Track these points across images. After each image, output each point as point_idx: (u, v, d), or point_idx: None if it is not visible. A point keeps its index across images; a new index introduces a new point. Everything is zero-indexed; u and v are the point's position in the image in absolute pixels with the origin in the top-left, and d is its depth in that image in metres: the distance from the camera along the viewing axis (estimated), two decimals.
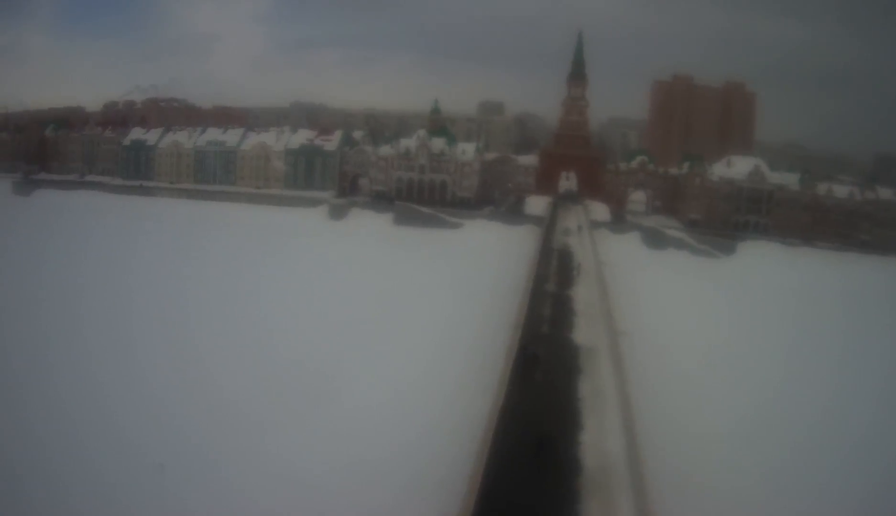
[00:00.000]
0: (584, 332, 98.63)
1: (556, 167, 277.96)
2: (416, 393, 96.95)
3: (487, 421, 66.62)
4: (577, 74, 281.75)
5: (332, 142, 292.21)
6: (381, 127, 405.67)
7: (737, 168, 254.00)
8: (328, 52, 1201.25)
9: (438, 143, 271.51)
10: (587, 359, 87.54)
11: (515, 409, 69.18)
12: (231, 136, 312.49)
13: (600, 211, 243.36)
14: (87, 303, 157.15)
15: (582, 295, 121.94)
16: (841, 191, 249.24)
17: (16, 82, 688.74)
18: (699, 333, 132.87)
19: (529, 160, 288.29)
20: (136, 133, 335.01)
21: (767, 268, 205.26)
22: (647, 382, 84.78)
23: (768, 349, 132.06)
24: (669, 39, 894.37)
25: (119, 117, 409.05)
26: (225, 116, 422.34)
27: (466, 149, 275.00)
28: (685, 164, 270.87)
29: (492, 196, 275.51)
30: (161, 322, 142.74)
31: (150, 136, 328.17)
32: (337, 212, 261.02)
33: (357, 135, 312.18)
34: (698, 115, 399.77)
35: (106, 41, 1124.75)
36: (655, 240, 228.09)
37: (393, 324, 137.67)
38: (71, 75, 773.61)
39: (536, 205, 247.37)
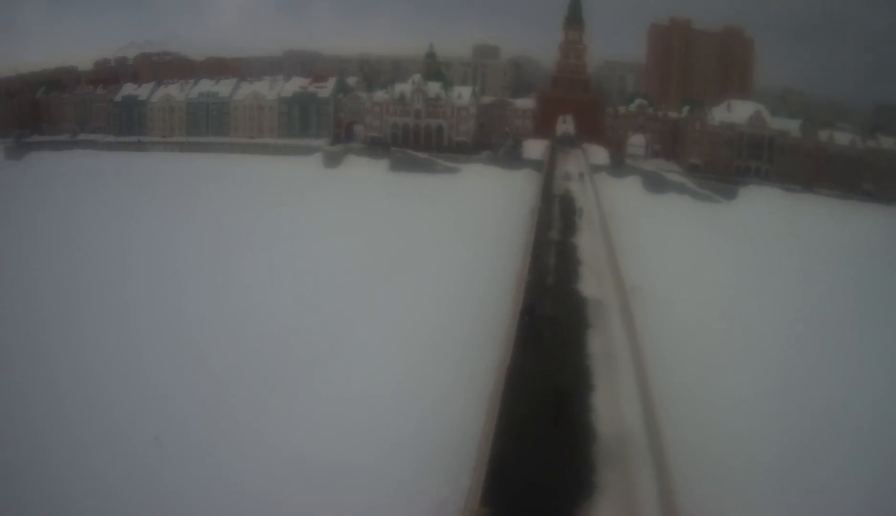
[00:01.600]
0: (591, 285, 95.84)
1: (553, 111, 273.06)
2: (419, 351, 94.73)
3: (494, 384, 63.55)
4: (575, 17, 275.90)
5: (325, 89, 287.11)
6: (376, 72, 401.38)
7: (737, 112, 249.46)
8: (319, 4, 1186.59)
9: (434, 88, 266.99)
10: (596, 315, 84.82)
11: (523, 372, 65.94)
12: (223, 87, 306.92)
13: (599, 154, 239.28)
14: (81, 268, 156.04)
15: (586, 243, 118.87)
16: (843, 138, 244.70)
17: (6, 47, 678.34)
18: (706, 284, 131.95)
19: (526, 103, 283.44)
20: (128, 89, 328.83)
21: (770, 214, 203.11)
22: (657, 339, 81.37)
23: (778, 302, 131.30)
24: None
25: (111, 74, 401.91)
26: (218, 67, 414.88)
27: (462, 93, 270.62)
28: (685, 108, 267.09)
29: (489, 140, 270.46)
30: (156, 285, 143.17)
31: (142, 92, 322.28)
32: (332, 160, 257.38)
33: (351, 81, 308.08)
34: (696, 60, 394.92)
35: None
36: (656, 184, 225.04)
37: (392, 276, 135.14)
38: (63, 35, 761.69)
39: (534, 148, 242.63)
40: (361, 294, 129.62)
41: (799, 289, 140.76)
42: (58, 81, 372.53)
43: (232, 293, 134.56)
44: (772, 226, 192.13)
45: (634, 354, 72.04)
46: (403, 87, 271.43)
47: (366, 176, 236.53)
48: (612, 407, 62.57)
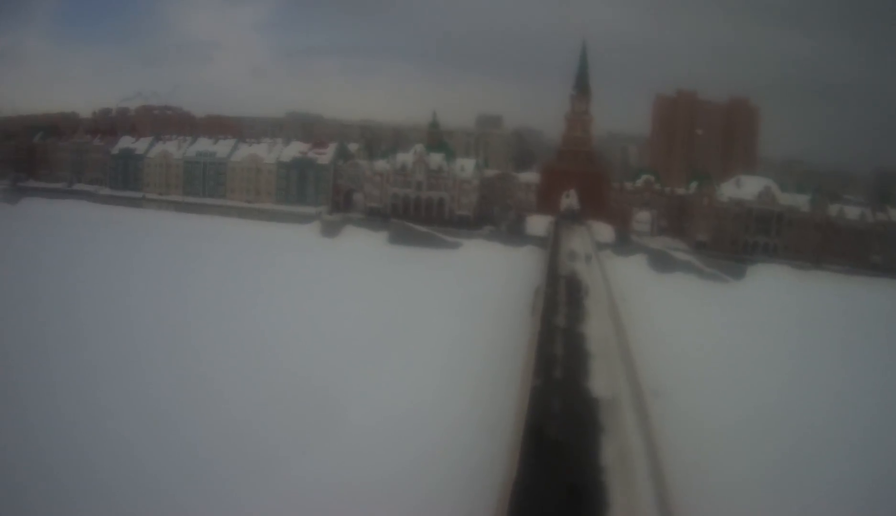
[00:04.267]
0: (603, 381, 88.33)
1: (558, 184, 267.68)
2: (412, 459, 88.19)
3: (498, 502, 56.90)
4: (581, 87, 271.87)
5: (325, 155, 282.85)
6: (378, 139, 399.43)
7: (746, 188, 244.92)
8: (327, 61, 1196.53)
9: (436, 159, 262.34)
10: (609, 418, 77.45)
11: (527, 494, 59.02)
12: (222, 147, 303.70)
13: (604, 231, 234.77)
14: (72, 321, 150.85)
15: (594, 331, 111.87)
16: (852, 212, 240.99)
17: (11, 86, 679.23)
18: (720, 376, 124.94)
19: (530, 177, 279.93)
20: (125, 142, 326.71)
21: (779, 295, 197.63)
22: (673, 440, 74.73)
23: (797, 389, 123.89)
24: (668, 53, 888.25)
25: (109, 125, 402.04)
26: (218, 125, 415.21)
27: (465, 165, 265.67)
28: (692, 184, 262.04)
29: (491, 214, 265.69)
30: (148, 346, 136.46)
31: (140, 145, 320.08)
32: (330, 230, 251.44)
33: (352, 147, 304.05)
34: (702, 131, 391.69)
35: (106, 47, 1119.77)
36: (662, 263, 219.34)
37: (383, 366, 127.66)
38: (69, 81, 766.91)
39: (538, 224, 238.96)
40: (353, 372, 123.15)
41: (812, 371, 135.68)
42: (55, 126, 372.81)
43: (221, 363, 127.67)
44: (782, 308, 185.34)
45: (652, 460, 66.08)
46: (405, 157, 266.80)
47: (364, 248, 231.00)
48: None
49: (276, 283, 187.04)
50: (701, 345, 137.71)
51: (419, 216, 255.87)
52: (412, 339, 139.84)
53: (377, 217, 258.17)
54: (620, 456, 67.90)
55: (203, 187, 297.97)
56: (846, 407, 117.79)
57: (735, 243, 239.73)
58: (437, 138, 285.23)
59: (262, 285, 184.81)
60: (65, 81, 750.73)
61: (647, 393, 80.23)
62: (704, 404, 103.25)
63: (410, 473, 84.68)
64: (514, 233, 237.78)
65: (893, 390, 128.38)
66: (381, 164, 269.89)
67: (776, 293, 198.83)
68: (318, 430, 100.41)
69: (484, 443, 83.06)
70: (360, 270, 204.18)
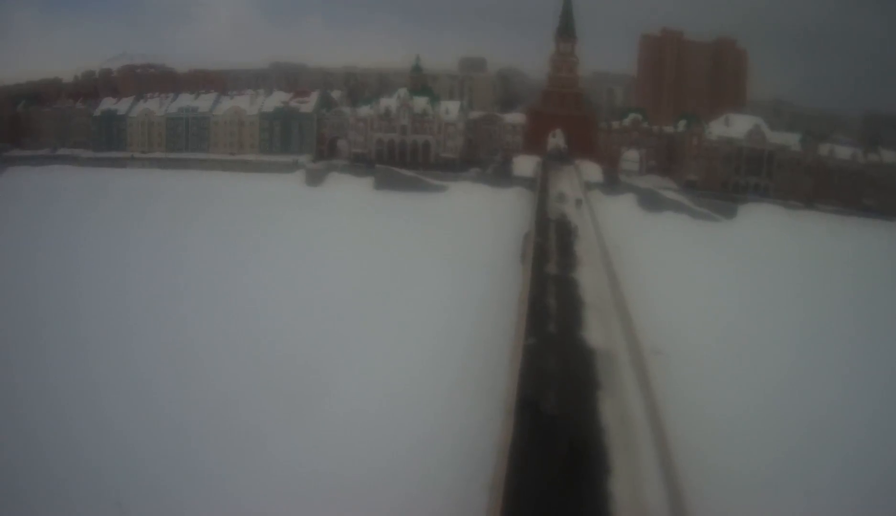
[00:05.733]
0: (599, 333, 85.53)
1: (545, 126, 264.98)
2: (407, 426, 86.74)
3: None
4: (566, 28, 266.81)
5: (308, 104, 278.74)
6: (361, 86, 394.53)
7: (735, 127, 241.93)
8: (311, 14, 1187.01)
9: (420, 102, 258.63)
10: (607, 373, 74.72)
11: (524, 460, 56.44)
12: (203, 102, 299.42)
13: (592, 171, 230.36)
14: (57, 291, 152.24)
15: (587, 278, 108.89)
16: (843, 152, 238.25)
17: None
18: (715, 318, 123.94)
19: (516, 118, 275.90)
20: (107, 103, 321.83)
21: (772, 234, 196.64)
22: (672, 396, 72.19)
23: (789, 334, 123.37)
24: None
25: (92, 88, 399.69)
26: (202, 80, 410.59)
27: (450, 108, 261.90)
28: (681, 123, 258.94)
29: (477, 157, 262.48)
30: (135, 310, 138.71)
31: (122, 106, 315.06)
32: (314, 178, 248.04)
33: (335, 95, 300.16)
34: (689, 71, 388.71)
35: (89, 9, 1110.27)
36: (652, 202, 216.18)
37: (372, 323, 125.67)
38: (52, 46, 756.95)
39: (525, 165, 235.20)
40: (341, 332, 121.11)
41: (807, 313, 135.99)
42: (38, 94, 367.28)
43: (211, 323, 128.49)
44: (774, 247, 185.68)
45: (652, 419, 63.98)
46: (389, 102, 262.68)
47: (349, 195, 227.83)
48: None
49: (261, 238, 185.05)
50: (695, 291, 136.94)
51: (404, 161, 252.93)
52: (401, 291, 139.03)
53: (362, 163, 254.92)
54: (621, 418, 65.23)
55: (186, 143, 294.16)
56: (846, 352, 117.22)
57: (725, 183, 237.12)
58: (420, 82, 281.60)
59: (246, 241, 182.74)
60: (47, 48, 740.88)
61: (647, 350, 77.23)
62: (705, 358, 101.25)
63: (403, 441, 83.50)
64: (501, 175, 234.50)
65: (888, 330, 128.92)
66: (364, 110, 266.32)
67: (769, 232, 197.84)
68: (310, 391, 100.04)
69: (479, 407, 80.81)
70: (346, 219, 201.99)
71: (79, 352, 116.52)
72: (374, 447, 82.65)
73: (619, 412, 66.36)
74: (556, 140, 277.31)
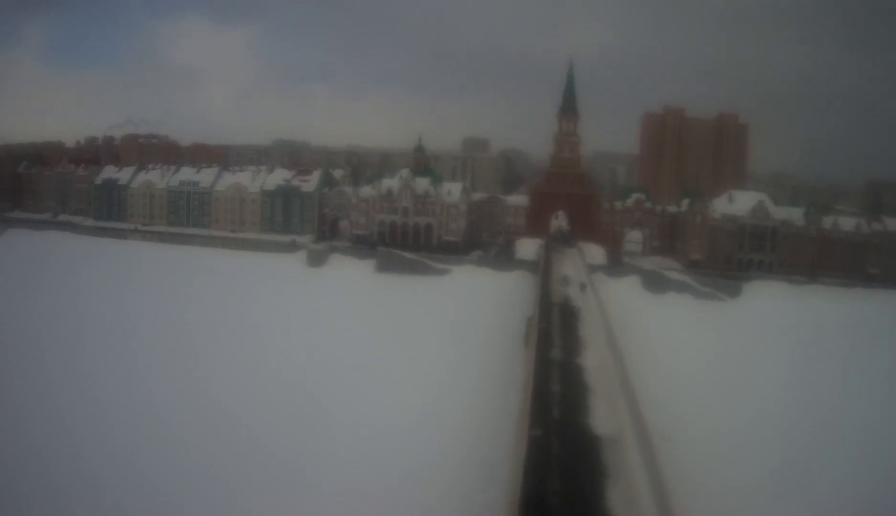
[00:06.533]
0: (605, 419, 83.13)
1: (547, 206, 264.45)
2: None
3: None
4: (569, 108, 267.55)
5: (310, 183, 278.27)
6: (364, 165, 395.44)
7: (738, 203, 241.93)
8: (315, 86, 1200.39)
9: (423, 184, 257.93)
10: (614, 460, 72.18)
11: None
12: (205, 176, 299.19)
13: (595, 253, 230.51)
14: (64, 352, 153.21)
15: (592, 362, 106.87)
16: (847, 223, 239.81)
17: (2, 113, 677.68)
18: (722, 400, 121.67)
19: (519, 200, 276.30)
20: (109, 171, 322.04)
21: (777, 312, 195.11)
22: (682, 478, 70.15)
23: (804, 410, 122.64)
24: (654, 72, 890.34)
25: (94, 153, 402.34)
26: (204, 154, 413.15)
27: (452, 190, 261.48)
28: (684, 201, 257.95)
29: (480, 239, 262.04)
30: (130, 378, 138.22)
31: (123, 175, 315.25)
32: (316, 259, 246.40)
33: (337, 174, 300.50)
34: (691, 148, 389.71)
35: (94, 74, 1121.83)
36: (656, 283, 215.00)
37: (372, 403, 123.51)
38: (56, 108, 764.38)
39: (527, 248, 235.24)
40: (339, 415, 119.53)
41: (816, 389, 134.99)
42: (40, 155, 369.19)
43: (204, 404, 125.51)
44: (781, 325, 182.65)
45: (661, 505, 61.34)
46: (391, 183, 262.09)
47: (351, 278, 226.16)
48: None
49: (261, 318, 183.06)
50: (702, 372, 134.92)
51: (406, 243, 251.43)
52: (401, 375, 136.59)
53: (364, 245, 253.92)
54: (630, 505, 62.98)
55: (187, 217, 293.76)
56: (857, 424, 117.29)
57: (729, 260, 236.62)
58: (423, 162, 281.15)
59: (247, 321, 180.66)
60: (52, 110, 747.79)
61: (656, 436, 74.95)
62: (715, 441, 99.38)
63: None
64: (504, 258, 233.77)
65: None
66: (366, 191, 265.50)
67: (774, 310, 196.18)
68: (308, 467, 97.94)
69: (483, 487, 79.00)
70: (348, 301, 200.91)
71: (70, 419, 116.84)
72: None
73: (628, 498, 64.04)
74: (559, 222, 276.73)
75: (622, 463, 71.67)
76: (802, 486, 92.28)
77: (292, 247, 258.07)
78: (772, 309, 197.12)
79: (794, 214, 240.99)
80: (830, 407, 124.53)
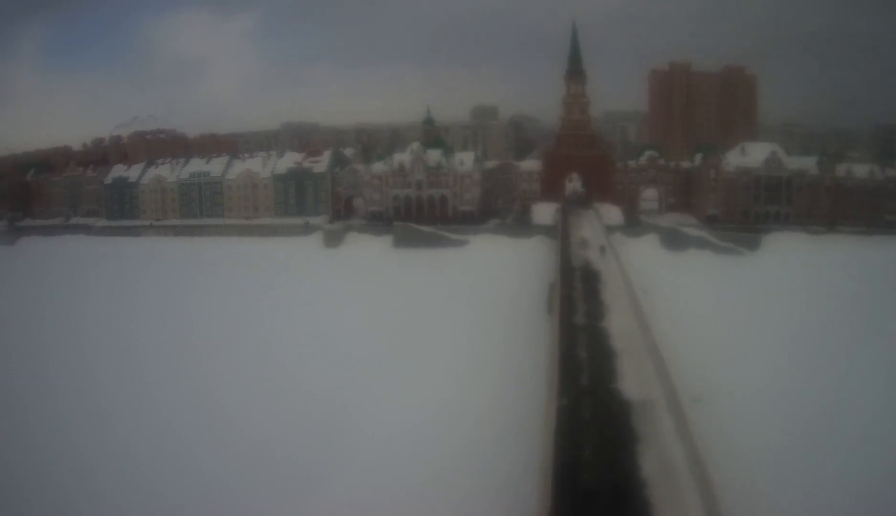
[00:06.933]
0: (634, 383, 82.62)
1: (561, 170, 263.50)
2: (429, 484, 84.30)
3: None
4: (575, 69, 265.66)
5: (321, 164, 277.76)
6: (375, 142, 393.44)
7: (752, 155, 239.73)
8: (319, 67, 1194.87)
9: (434, 156, 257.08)
10: (644, 424, 71.81)
11: None
12: (215, 166, 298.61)
13: (612, 213, 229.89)
14: (85, 355, 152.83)
15: (617, 325, 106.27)
16: (861, 170, 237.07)
17: (3, 124, 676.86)
18: (750, 357, 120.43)
19: (532, 165, 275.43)
20: (118, 170, 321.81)
21: (798, 264, 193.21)
22: (717, 443, 69.52)
23: (829, 365, 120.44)
24: (656, 27, 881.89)
25: (101, 154, 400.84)
26: (213, 144, 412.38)
27: (464, 160, 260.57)
28: (697, 156, 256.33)
29: (495, 207, 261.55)
30: (158, 380, 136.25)
31: (133, 172, 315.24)
32: (332, 239, 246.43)
33: (348, 152, 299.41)
34: (699, 103, 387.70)
35: (96, 74, 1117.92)
36: (675, 241, 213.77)
37: (399, 381, 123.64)
38: (59, 113, 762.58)
39: (544, 212, 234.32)
40: (363, 390, 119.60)
41: (843, 340, 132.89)
42: (47, 162, 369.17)
43: (231, 387, 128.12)
44: (802, 276, 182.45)
45: (696, 468, 61.06)
46: (402, 157, 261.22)
47: (369, 255, 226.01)
48: None
49: (282, 302, 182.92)
50: (727, 330, 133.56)
51: (422, 216, 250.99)
52: (425, 349, 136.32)
53: (380, 221, 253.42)
54: (663, 470, 62.44)
55: (201, 208, 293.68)
56: (884, 372, 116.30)
57: (746, 213, 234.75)
58: (433, 134, 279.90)
59: (267, 306, 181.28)
60: (56, 115, 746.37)
61: (686, 399, 74.31)
62: (745, 400, 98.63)
63: (438, 487, 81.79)
64: (521, 225, 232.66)
65: None
66: (378, 167, 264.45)
67: (795, 261, 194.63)
68: (331, 446, 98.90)
69: (513, 458, 78.67)
70: (367, 279, 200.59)
71: (95, 420, 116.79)
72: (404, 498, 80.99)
73: (661, 463, 63.62)
74: (574, 184, 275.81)
75: (654, 426, 71.22)
76: (832, 441, 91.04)
77: (307, 230, 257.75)
78: (792, 260, 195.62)
79: (806, 164, 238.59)
80: (857, 357, 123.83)
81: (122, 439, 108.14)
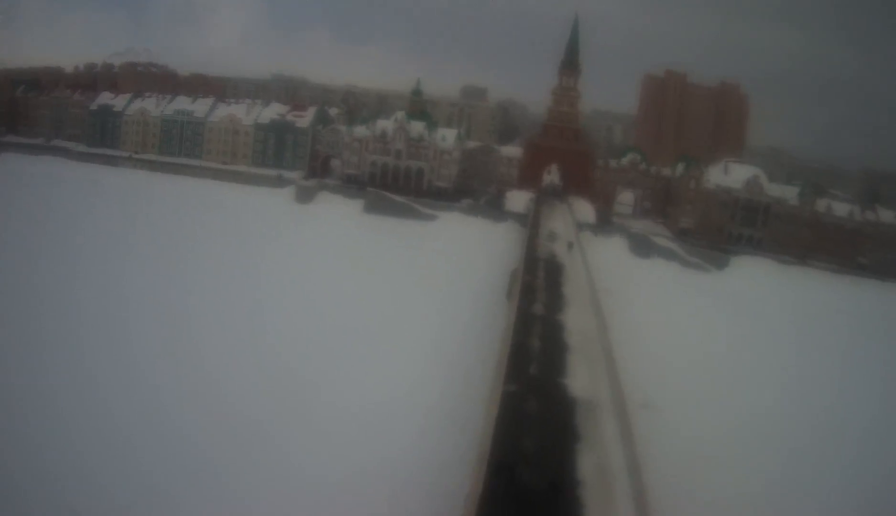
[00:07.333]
0: (583, 383, 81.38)
1: (541, 160, 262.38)
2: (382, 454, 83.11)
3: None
4: (571, 62, 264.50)
5: (304, 119, 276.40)
6: (360, 105, 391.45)
7: (734, 175, 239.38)
8: (316, 31, 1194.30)
9: (417, 127, 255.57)
10: (588, 423, 70.63)
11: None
12: (200, 106, 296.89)
13: (585, 210, 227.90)
14: (49, 284, 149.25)
15: (574, 322, 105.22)
16: (841, 209, 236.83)
17: (4, 39, 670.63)
18: (702, 371, 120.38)
19: (513, 151, 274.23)
20: (104, 97, 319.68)
21: (764, 289, 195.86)
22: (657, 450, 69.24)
23: (777, 389, 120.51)
24: (658, 38, 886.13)
25: (91, 80, 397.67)
26: (203, 85, 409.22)
27: (447, 136, 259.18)
28: (679, 165, 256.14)
29: (471, 187, 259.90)
30: (125, 310, 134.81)
31: (119, 102, 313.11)
32: (304, 196, 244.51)
33: (333, 112, 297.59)
34: (690, 114, 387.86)
35: (99, 3, 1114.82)
36: (643, 247, 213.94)
37: (350, 351, 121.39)
38: (58, 35, 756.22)
39: (518, 200, 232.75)
40: (319, 363, 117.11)
41: (794, 367, 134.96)
42: (38, 80, 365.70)
43: (188, 337, 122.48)
44: (764, 301, 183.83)
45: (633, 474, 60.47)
46: (385, 124, 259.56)
47: (337, 216, 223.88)
48: None
49: (245, 255, 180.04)
50: (683, 341, 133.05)
51: (397, 185, 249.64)
52: (383, 319, 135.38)
53: (354, 184, 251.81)
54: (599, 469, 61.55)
55: (180, 147, 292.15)
56: (832, 410, 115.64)
57: (720, 232, 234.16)
58: (419, 106, 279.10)
59: (230, 257, 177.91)
60: (53, 36, 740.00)
61: (633, 404, 73.60)
62: (691, 411, 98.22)
63: (377, 467, 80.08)
64: (493, 208, 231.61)
65: (876, 389, 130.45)
66: (360, 130, 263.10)
67: (760, 287, 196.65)
68: (289, 414, 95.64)
69: (453, 441, 77.97)
70: (332, 241, 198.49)
71: (73, 348, 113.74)
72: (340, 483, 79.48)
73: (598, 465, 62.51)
74: (551, 176, 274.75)
75: (596, 427, 70.27)
76: (777, 460, 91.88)
77: (279, 182, 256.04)
78: (758, 285, 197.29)
79: (788, 193, 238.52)
80: (807, 384, 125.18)
81: (88, 373, 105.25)
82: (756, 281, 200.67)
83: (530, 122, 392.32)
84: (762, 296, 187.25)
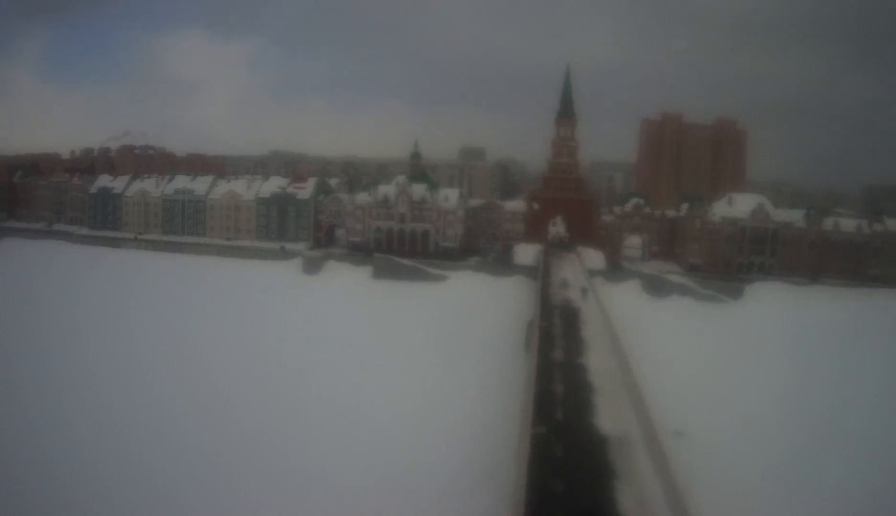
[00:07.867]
0: (610, 418, 79.95)
1: (546, 212, 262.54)
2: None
3: None
4: (566, 112, 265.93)
5: (306, 190, 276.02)
6: (360, 174, 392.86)
7: (738, 206, 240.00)
8: (313, 98, 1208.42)
9: (419, 190, 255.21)
10: (621, 460, 69.17)
11: None
12: (200, 184, 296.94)
13: (595, 258, 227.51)
14: (50, 367, 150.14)
15: (595, 362, 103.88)
16: (848, 225, 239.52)
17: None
18: (728, 400, 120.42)
19: (516, 205, 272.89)
20: (104, 180, 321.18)
21: (780, 312, 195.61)
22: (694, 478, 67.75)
23: (805, 410, 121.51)
24: (652, 83, 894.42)
25: (89, 164, 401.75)
26: (201, 164, 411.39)
27: (449, 196, 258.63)
28: (683, 206, 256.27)
29: (477, 245, 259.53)
30: (128, 389, 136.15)
31: (118, 184, 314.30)
32: (312, 266, 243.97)
33: (333, 182, 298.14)
34: (689, 154, 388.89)
35: (93, 85, 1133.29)
36: (657, 287, 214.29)
37: (370, 413, 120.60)
38: (53, 119, 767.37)
39: (526, 253, 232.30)
40: (336, 423, 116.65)
41: (819, 387, 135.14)
42: (35, 165, 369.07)
43: (207, 410, 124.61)
44: (782, 324, 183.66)
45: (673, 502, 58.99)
46: (387, 189, 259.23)
47: (347, 284, 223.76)
48: None
49: (255, 327, 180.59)
50: (707, 372, 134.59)
51: (403, 249, 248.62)
52: (401, 381, 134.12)
53: (360, 251, 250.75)
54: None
55: (182, 225, 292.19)
56: (859, 424, 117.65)
57: (729, 264, 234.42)
58: (419, 169, 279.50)
59: (240, 330, 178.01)
60: (49, 122, 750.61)
61: (665, 433, 72.03)
62: (723, 439, 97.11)
63: None
64: (502, 264, 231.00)
65: None
66: (362, 197, 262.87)
67: (776, 310, 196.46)
68: (304, 481, 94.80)
69: (487, 494, 76.73)
70: (344, 308, 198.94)
71: (77, 434, 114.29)
72: None
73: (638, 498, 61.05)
74: (557, 228, 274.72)
75: (630, 462, 68.74)
76: (807, 484, 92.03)
77: (284, 255, 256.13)
78: (774, 309, 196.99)
79: (794, 216, 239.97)
80: (833, 407, 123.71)
81: (99, 432, 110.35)
82: (771, 305, 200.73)
83: (530, 179, 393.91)
84: (777, 319, 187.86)
